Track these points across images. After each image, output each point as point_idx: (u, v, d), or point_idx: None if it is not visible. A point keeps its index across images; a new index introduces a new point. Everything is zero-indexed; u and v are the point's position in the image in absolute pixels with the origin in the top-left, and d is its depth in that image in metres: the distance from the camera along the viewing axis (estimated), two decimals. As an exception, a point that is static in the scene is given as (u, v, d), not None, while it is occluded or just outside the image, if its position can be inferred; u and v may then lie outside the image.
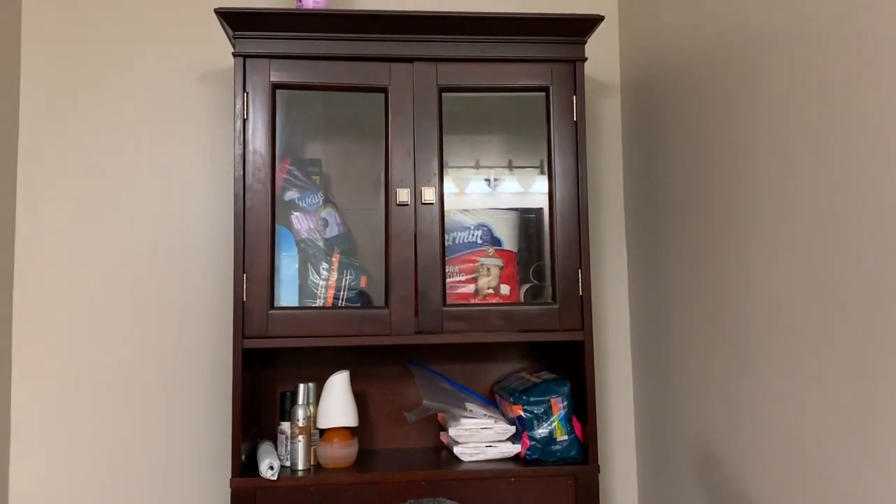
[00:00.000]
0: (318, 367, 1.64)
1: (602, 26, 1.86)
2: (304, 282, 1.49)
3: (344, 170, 1.68)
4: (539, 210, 1.66)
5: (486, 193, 1.70)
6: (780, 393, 1.15)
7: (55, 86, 1.70)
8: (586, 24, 1.46)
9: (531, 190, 1.68)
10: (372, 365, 1.66)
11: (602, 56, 1.86)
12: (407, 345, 1.66)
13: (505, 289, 1.55)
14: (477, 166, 1.71)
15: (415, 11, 1.41)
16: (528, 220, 1.65)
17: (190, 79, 1.74)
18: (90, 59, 1.72)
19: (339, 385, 1.44)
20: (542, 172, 1.64)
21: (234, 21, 1.40)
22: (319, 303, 1.48)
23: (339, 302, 1.49)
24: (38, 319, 1.65)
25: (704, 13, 1.40)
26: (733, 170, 1.30)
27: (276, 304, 1.43)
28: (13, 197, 1.66)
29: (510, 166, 1.71)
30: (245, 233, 1.40)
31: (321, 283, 1.49)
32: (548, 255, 1.52)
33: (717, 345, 1.36)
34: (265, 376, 1.64)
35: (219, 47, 1.75)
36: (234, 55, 1.43)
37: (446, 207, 1.50)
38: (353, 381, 1.65)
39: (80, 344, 1.66)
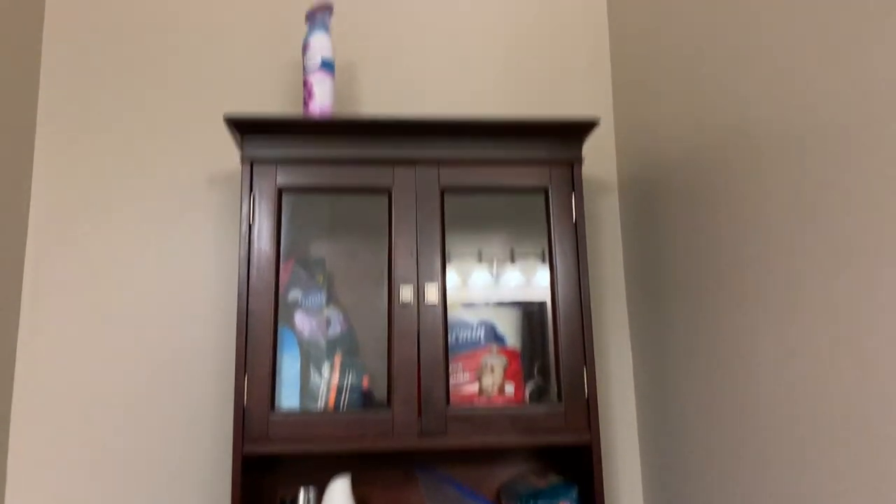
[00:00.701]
0: (319, 470, 1.60)
1: (599, 126, 1.91)
2: (306, 383, 1.47)
3: (347, 268, 1.70)
4: (542, 304, 1.66)
5: (489, 286, 1.71)
6: (800, 499, 1.11)
7: (64, 185, 1.74)
8: (582, 128, 1.50)
9: (533, 281, 1.69)
10: (374, 468, 1.62)
11: (599, 155, 1.91)
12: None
13: (509, 387, 1.53)
14: (479, 259, 1.73)
15: (417, 118, 1.46)
16: (531, 313, 1.65)
17: (197, 180, 1.78)
18: (99, 159, 1.76)
19: (338, 493, 1.40)
20: (543, 260, 1.65)
21: (242, 128, 1.45)
22: (321, 404, 1.46)
23: (342, 403, 1.47)
24: (37, 417, 1.63)
25: (698, 115, 1.45)
26: (733, 266, 1.31)
27: (277, 407, 1.41)
28: (18, 297, 1.67)
29: (512, 257, 1.73)
30: (248, 335, 1.39)
31: (323, 384, 1.47)
32: (552, 352, 1.50)
33: (730, 447, 1.33)
34: (266, 481, 1.59)
35: (225, 149, 1.80)
36: (242, 160, 1.47)
37: (449, 301, 1.50)
38: (355, 485, 1.60)
39: (78, 447, 1.62)
